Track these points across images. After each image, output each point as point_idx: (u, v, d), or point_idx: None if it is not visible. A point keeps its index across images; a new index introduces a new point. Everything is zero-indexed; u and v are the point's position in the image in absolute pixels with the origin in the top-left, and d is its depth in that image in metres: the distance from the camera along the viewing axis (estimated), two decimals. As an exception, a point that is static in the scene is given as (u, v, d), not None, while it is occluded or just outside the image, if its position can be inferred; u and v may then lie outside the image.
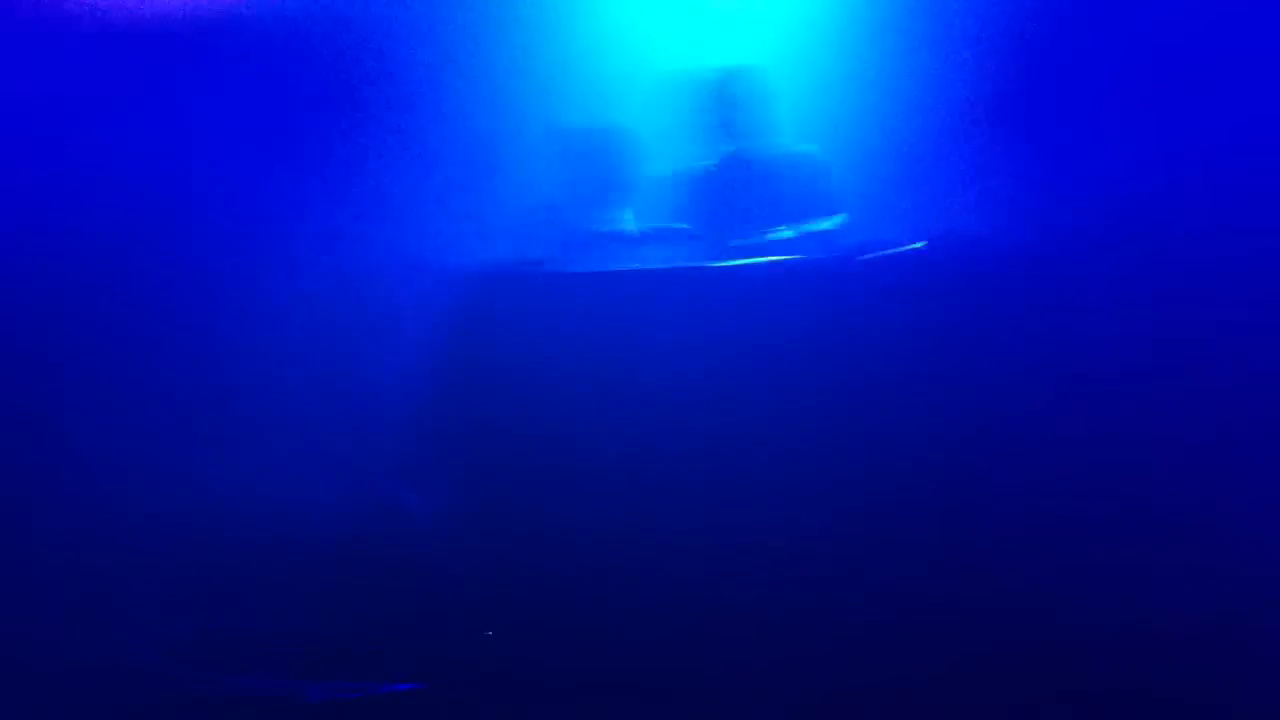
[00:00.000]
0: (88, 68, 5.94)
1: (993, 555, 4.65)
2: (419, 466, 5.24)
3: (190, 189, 5.93)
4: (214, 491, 5.34)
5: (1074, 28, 6.24)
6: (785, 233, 5.46)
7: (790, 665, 4.51)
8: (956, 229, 5.04)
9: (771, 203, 5.79)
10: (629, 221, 6.05)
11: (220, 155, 6.02)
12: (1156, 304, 5.11)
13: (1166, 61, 6.04)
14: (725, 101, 5.87)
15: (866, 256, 4.82)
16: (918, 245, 4.83)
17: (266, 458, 5.42)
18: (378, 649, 4.84)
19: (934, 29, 6.46)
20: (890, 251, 4.84)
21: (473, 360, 4.78)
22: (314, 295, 5.76)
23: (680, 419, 4.64)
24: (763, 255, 5.18)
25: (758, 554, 4.62)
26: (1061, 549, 4.69)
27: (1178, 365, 5.05)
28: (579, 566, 4.65)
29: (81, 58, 5.93)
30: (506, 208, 6.09)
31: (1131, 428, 4.89)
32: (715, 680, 4.48)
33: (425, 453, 5.19)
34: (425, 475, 5.22)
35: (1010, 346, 4.77)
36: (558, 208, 6.00)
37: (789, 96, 6.31)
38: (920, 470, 4.68)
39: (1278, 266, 5.35)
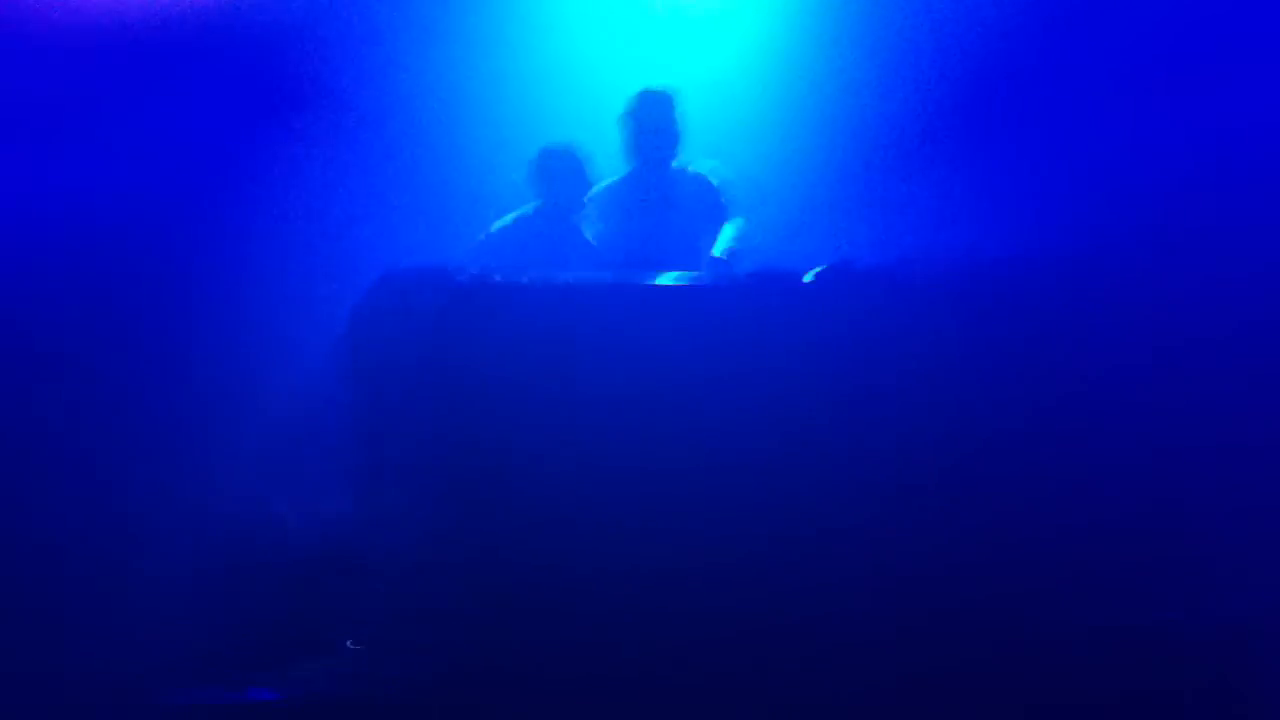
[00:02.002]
0: (60, 73, 6.06)
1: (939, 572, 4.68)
2: (299, 477, 5.32)
3: (148, 191, 6.01)
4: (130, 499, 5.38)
5: (1004, 64, 6.50)
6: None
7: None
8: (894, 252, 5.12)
9: (677, 219, 5.93)
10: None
11: (185, 155, 6.14)
12: (1090, 330, 5.08)
13: (1093, 93, 6.27)
14: (639, 123, 5.93)
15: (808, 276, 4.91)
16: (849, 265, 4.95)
17: (170, 462, 5.44)
18: (241, 656, 4.86)
19: (868, 62, 6.74)
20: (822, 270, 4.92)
21: (377, 368, 4.76)
22: (255, 298, 5.89)
23: (597, 431, 4.68)
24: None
25: (684, 561, 4.63)
26: (1009, 562, 4.70)
27: (1110, 390, 5.02)
28: (474, 574, 4.67)
29: (54, 63, 6.05)
30: (457, 215, 6.32)
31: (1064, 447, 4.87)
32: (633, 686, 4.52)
33: (306, 463, 5.26)
34: (307, 484, 5.29)
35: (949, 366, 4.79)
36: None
37: (723, 119, 6.58)
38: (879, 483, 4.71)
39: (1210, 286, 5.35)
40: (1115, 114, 6.18)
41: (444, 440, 4.71)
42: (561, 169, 5.99)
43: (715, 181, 6.03)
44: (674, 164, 6.01)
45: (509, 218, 6.02)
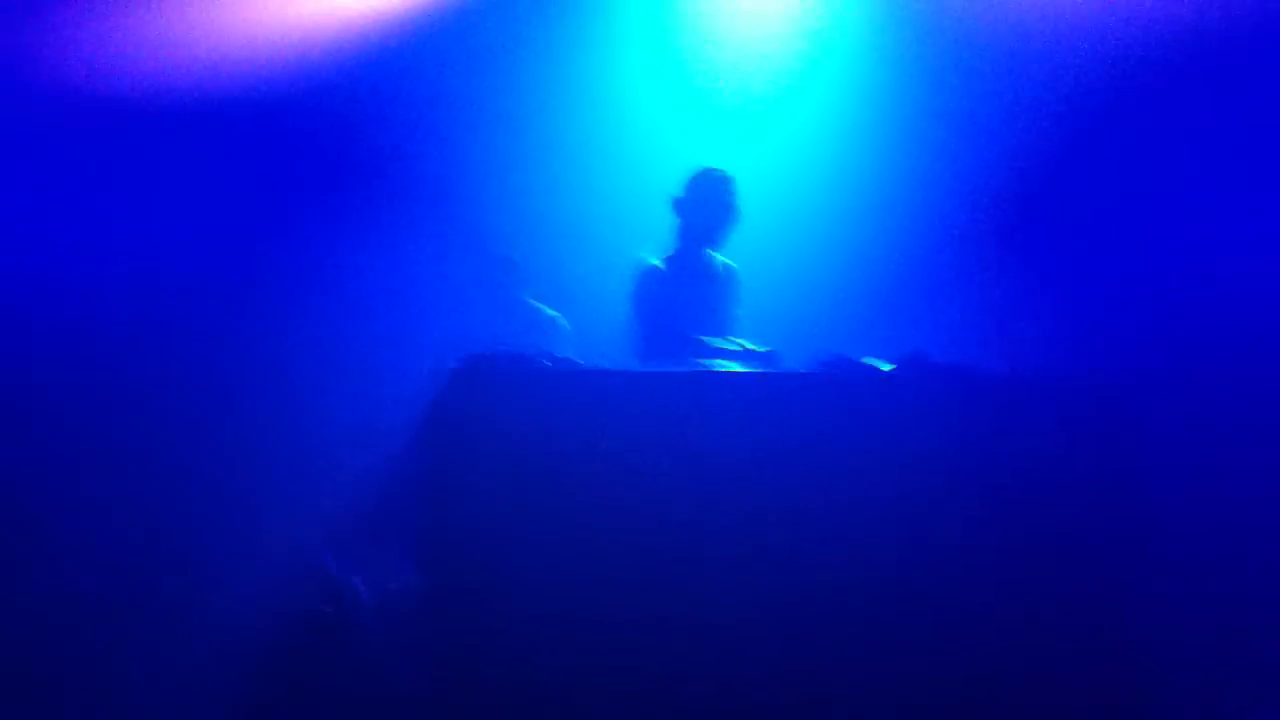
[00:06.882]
0: (102, 145, 6.07)
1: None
2: (370, 550, 5.31)
3: (186, 266, 6.01)
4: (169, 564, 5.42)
5: (1069, 161, 6.56)
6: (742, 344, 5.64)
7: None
8: (931, 351, 5.04)
9: (721, 303, 5.97)
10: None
11: (223, 226, 6.17)
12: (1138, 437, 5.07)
13: (1157, 199, 6.32)
14: (701, 201, 5.88)
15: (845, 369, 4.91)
16: (887, 366, 4.95)
17: (218, 530, 5.50)
18: None
19: (924, 155, 6.82)
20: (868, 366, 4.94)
21: (444, 450, 4.74)
22: (298, 369, 5.92)
23: (638, 518, 4.68)
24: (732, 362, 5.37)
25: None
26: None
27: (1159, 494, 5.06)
28: (528, 659, 4.62)
29: (94, 135, 6.05)
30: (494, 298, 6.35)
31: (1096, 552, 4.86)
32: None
33: (378, 537, 5.26)
34: (376, 559, 5.28)
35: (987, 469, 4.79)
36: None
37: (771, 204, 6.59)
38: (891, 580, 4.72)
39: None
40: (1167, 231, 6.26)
41: (518, 524, 4.69)
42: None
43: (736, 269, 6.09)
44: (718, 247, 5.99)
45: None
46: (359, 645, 5.11)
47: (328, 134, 6.45)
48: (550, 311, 6.29)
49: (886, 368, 4.94)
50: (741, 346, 5.62)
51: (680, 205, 5.90)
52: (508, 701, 4.60)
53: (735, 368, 5.33)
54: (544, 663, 4.61)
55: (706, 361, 5.48)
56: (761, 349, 5.59)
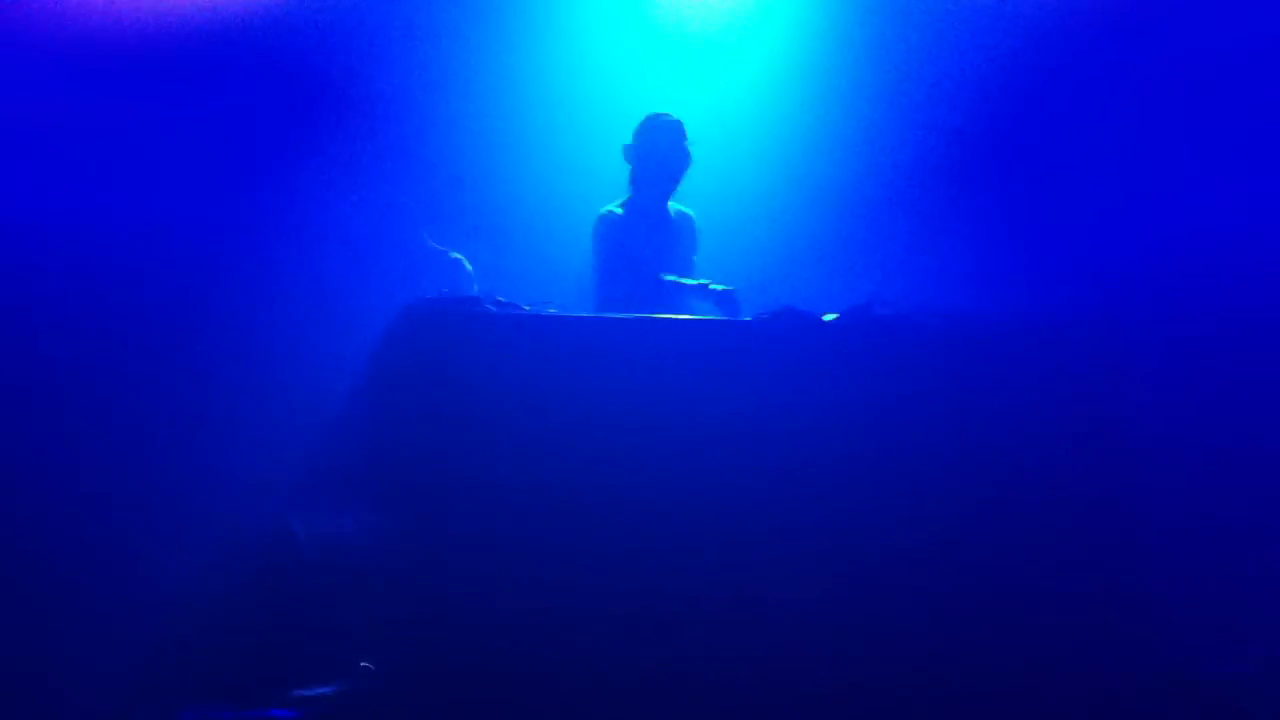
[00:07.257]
0: (79, 77, 6.00)
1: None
2: (314, 494, 5.31)
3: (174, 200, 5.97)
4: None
5: (1039, 104, 6.54)
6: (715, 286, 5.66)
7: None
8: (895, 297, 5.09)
9: (678, 251, 6.00)
10: None
11: (210, 164, 6.12)
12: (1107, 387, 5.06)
13: (1135, 145, 6.30)
14: (649, 149, 5.90)
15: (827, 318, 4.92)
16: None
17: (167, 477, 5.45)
18: (258, 674, 4.89)
19: (893, 100, 6.81)
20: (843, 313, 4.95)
21: (390, 393, 4.76)
22: (274, 311, 5.86)
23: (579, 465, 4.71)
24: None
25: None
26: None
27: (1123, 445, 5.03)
28: (471, 598, 4.64)
29: (71, 68, 5.99)
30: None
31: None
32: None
33: (322, 481, 5.26)
34: (319, 503, 5.29)
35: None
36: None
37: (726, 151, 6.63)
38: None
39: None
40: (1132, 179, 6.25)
41: (461, 466, 4.71)
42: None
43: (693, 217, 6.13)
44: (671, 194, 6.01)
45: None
46: (302, 590, 5.12)
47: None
48: (454, 254, 6.27)
49: (831, 318, 4.95)
50: (703, 284, 5.68)
51: (632, 153, 5.92)
52: (456, 647, 4.63)
53: (694, 314, 5.36)
54: (491, 607, 4.64)
55: (666, 304, 5.52)
56: (721, 287, 5.64)
